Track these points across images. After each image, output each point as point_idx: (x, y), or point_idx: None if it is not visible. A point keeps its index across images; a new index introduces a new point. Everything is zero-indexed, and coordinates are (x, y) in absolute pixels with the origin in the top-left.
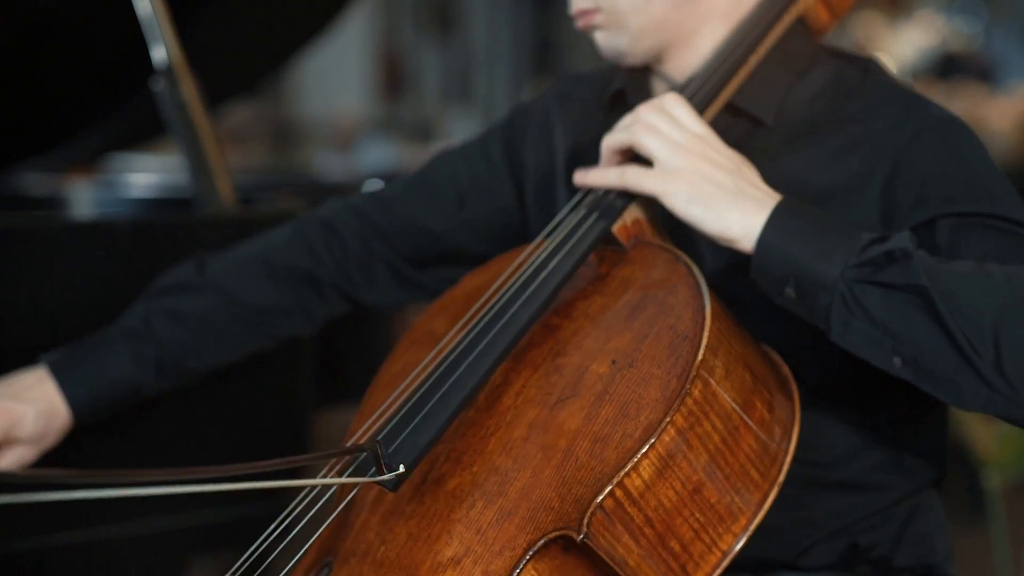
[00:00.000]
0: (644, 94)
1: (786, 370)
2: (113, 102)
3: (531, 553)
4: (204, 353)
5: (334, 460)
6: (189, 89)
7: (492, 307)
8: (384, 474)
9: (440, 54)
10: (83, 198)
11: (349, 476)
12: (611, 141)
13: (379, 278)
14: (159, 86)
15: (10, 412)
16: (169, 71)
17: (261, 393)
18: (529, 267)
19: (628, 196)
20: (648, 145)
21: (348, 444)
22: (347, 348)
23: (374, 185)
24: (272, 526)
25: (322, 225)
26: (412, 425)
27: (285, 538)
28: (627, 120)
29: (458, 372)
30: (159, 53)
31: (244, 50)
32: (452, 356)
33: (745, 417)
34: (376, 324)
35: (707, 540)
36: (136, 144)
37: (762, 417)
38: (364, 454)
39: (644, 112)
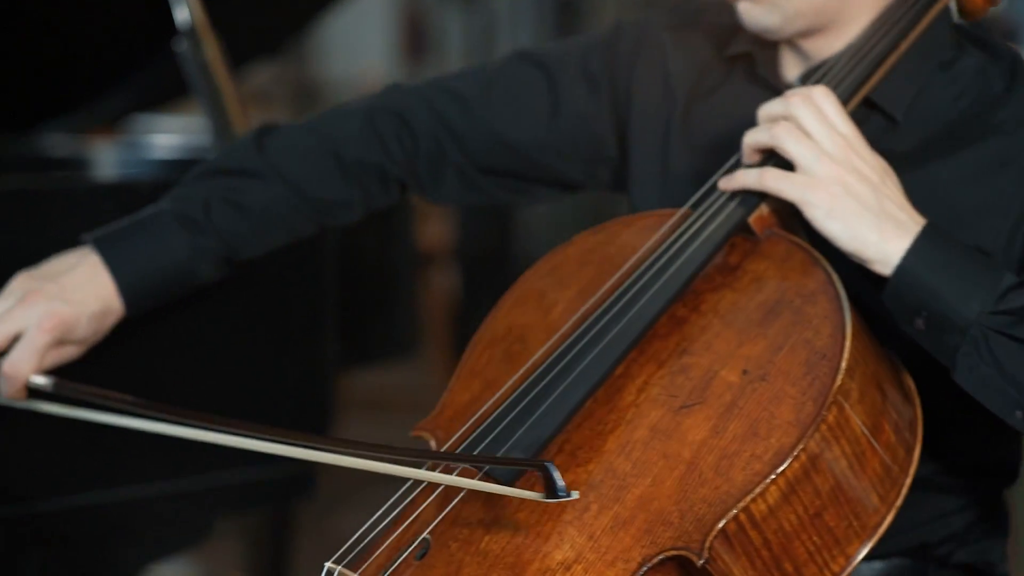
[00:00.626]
0: (773, 65)
1: (910, 383)
2: (135, 63)
3: (645, 568)
4: (259, 244)
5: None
6: (212, 50)
7: (625, 292)
8: (556, 497)
9: (463, 15)
10: (105, 159)
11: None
12: (753, 140)
13: (446, 180)
14: (182, 47)
15: (63, 319)
16: (192, 32)
17: (284, 354)
18: (667, 250)
19: None
20: (791, 150)
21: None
22: (370, 308)
23: None
24: (381, 511)
25: (394, 117)
26: (533, 418)
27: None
28: (774, 109)
29: (584, 362)
30: (182, 14)
31: (267, 11)
32: (580, 343)
33: (873, 441)
34: (400, 283)
35: (820, 562)
36: (159, 105)
37: (888, 440)
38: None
39: (793, 105)
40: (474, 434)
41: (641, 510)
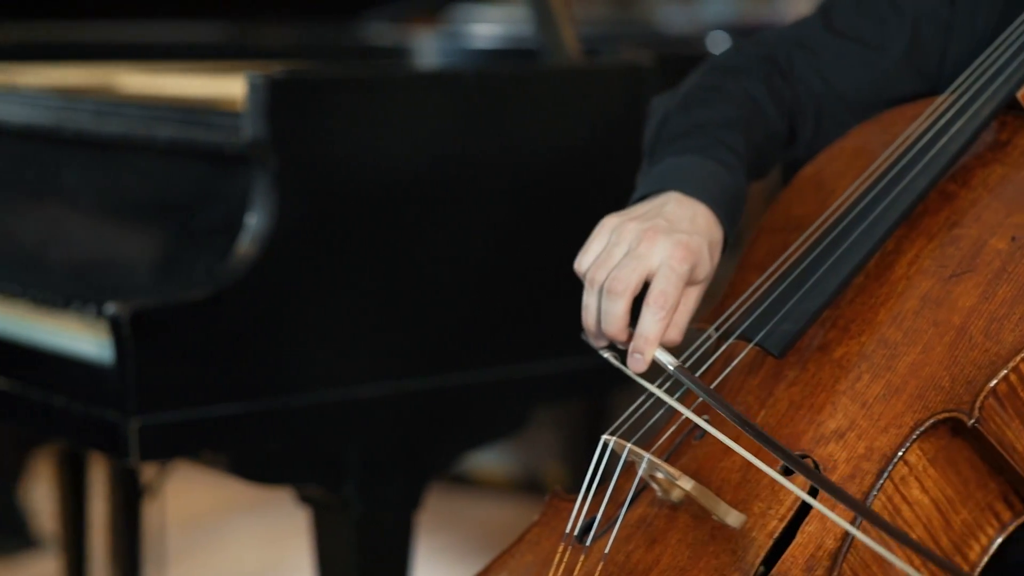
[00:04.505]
0: None
1: None
2: None
3: (918, 433)
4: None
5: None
6: None
7: (889, 169)
8: None
9: None
10: (428, 48)
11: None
12: None
13: (809, 121)
14: None
15: (691, 248)
16: None
17: None
18: (929, 129)
19: None
20: None
21: (743, 299)
22: None
23: (719, 37)
24: (654, 385)
25: (772, 62)
26: (803, 290)
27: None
28: None
29: (852, 236)
30: None
31: None
32: (846, 219)
33: None
34: None
35: None
36: None
37: None
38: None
39: None
40: (744, 308)
41: (912, 377)
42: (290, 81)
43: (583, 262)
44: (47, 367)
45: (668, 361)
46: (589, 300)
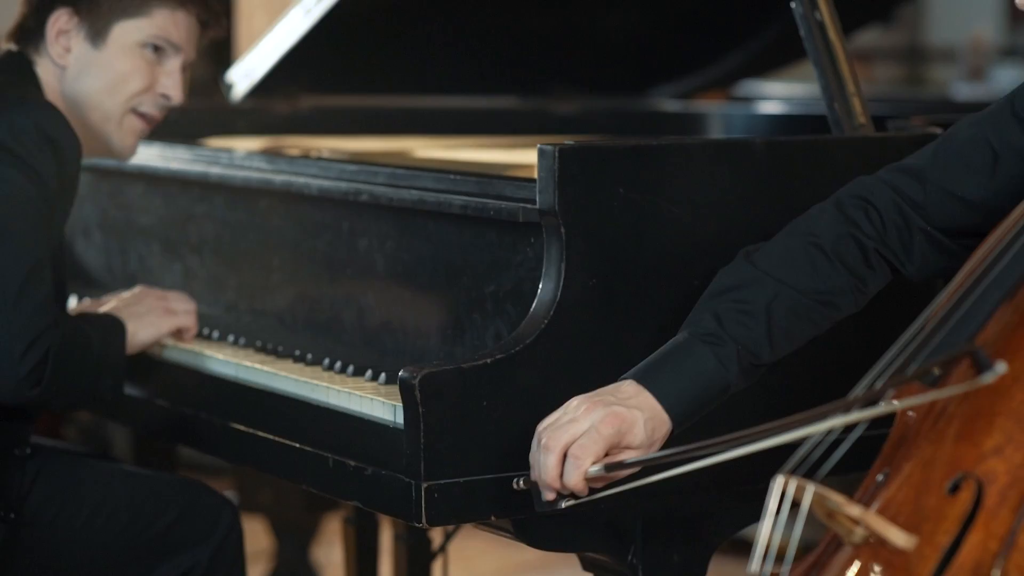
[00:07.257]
0: None
1: None
2: (752, 25)
3: None
4: (775, 345)
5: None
6: (826, 10)
7: None
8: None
9: None
10: (716, 118)
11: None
12: None
13: (916, 248)
14: (797, 7)
15: (622, 418)
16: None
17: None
18: None
19: None
20: None
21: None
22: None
23: None
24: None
25: (859, 200)
26: (948, 325)
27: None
28: None
29: (998, 268)
30: None
31: None
32: (996, 252)
33: None
34: None
35: None
36: (767, 70)
37: None
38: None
39: None
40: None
41: None
42: (580, 150)
43: (539, 427)
44: (340, 430)
45: (596, 469)
46: (534, 458)
